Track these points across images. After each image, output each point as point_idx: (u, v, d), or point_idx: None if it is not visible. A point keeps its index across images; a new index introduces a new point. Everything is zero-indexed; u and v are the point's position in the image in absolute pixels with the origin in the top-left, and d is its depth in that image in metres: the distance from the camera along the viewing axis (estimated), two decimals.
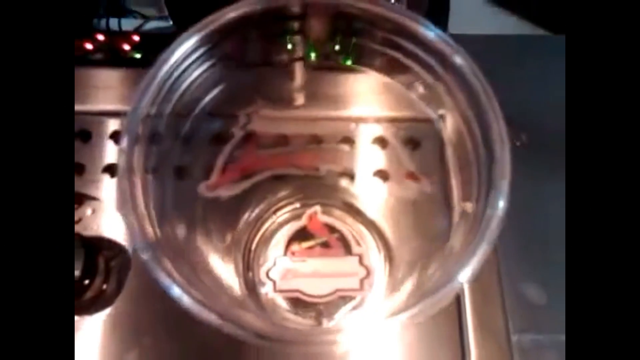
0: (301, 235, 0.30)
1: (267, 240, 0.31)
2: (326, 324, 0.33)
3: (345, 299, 0.31)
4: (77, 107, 0.38)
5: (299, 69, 0.33)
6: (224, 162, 0.29)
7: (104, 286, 0.35)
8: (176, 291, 0.18)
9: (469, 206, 0.23)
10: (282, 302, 0.33)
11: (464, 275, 0.19)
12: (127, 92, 0.40)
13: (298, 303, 0.32)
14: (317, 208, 0.31)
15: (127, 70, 0.41)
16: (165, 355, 0.31)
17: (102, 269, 0.35)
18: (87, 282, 0.34)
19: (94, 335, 0.32)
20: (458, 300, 0.31)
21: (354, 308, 0.32)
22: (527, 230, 0.35)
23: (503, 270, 0.33)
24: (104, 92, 0.40)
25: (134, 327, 0.32)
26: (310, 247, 0.31)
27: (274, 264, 0.30)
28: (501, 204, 0.20)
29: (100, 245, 0.36)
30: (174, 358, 0.31)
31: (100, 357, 0.31)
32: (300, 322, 0.33)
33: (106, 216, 0.37)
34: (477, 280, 0.30)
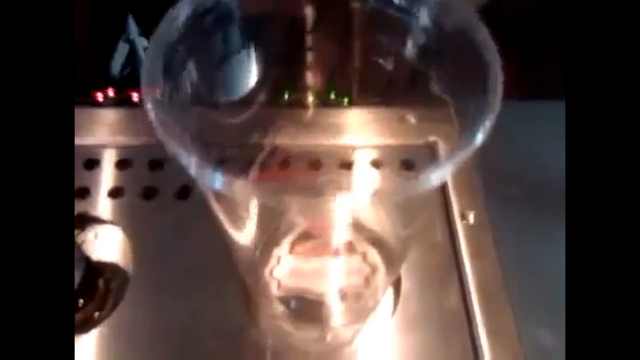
0: (304, 237, 0.31)
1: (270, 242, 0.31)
2: (330, 339, 0.33)
3: (350, 298, 0.30)
4: (83, 140, 0.39)
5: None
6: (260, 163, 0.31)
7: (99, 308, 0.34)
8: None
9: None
10: (285, 320, 0.33)
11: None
12: (130, 126, 0.41)
13: (301, 318, 0.32)
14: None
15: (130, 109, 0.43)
16: None
17: (101, 291, 0.35)
18: (82, 301, 0.34)
19: (91, 351, 0.31)
20: (474, 343, 0.31)
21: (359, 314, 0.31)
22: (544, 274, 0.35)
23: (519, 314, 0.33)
24: (109, 127, 0.41)
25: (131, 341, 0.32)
26: (314, 248, 0.31)
27: (278, 263, 0.30)
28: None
29: (102, 268, 0.36)
30: None
31: None
32: (304, 336, 0.33)
33: (108, 239, 0.37)
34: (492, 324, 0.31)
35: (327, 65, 0.34)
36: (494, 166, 0.38)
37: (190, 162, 0.17)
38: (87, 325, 0.33)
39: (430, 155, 0.38)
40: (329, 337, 0.31)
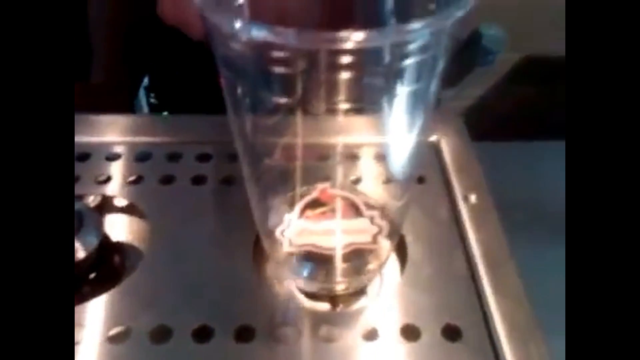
0: (314, 204, 0.32)
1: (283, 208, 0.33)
2: (341, 309, 0.33)
3: (359, 256, 0.31)
4: (106, 138, 0.42)
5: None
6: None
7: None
8: None
9: None
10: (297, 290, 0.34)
11: None
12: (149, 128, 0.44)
13: (310, 273, 0.33)
14: (327, 184, 0.33)
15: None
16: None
17: (115, 265, 0.37)
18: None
19: (103, 312, 0.32)
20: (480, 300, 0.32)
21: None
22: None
23: None
24: (130, 129, 0.44)
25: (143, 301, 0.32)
26: (323, 213, 0.32)
27: (289, 225, 0.31)
28: None
29: (118, 246, 0.37)
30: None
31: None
32: (315, 307, 0.33)
33: (127, 220, 0.39)
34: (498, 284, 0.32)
35: None
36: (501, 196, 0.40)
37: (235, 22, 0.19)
38: (99, 290, 0.34)
39: None
40: (338, 288, 0.32)
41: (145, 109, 0.74)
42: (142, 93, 0.69)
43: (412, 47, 0.22)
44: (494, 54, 1.41)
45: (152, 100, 0.74)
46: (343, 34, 0.19)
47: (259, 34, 0.19)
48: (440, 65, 0.26)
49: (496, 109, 1.45)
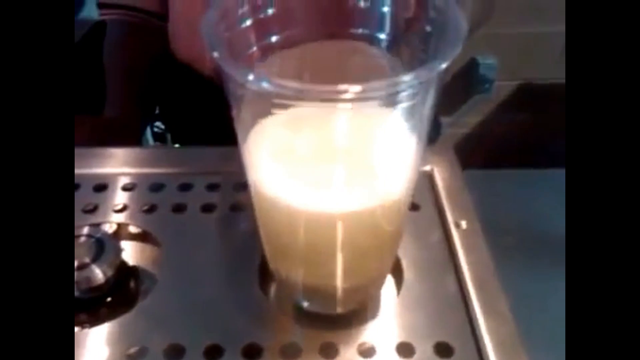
0: None
1: None
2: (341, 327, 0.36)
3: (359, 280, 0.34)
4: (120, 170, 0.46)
5: None
6: None
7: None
8: None
9: None
10: None
11: None
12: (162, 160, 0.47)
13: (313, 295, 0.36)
14: None
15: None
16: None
17: (131, 291, 0.39)
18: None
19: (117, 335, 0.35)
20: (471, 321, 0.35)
21: None
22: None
23: None
24: (144, 161, 0.48)
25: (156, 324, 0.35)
26: None
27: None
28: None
29: (134, 271, 0.40)
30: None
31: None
32: (317, 325, 0.36)
33: (141, 246, 0.41)
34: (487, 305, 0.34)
35: None
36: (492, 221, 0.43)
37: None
38: (116, 312, 0.37)
39: None
40: (339, 309, 0.35)
41: (150, 138, 0.77)
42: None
43: (402, 95, 0.25)
44: (491, 82, 1.45)
45: (156, 129, 0.78)
46: (341, 87, 0.22)
47: (269, 87, 0.22)
48: (431, 102, 0.29)
49: (493, 134, 1.48)
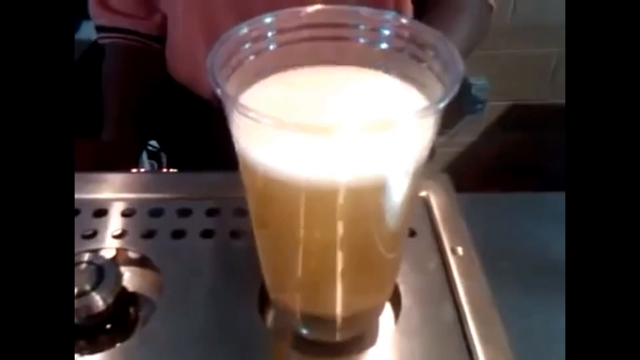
0: None
1: None
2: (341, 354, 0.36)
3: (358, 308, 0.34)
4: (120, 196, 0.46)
5: None
6: None
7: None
8: None
9: None
10: None
11: None
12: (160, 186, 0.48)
13: (312, 322, 0.36)
14: None
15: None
16: None
17: (131, 318, 0.39)
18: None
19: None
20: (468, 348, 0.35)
21: None
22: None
23: None
24: (143, 187, 0.48)
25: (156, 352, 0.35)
26: None
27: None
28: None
29: (134, 297, 0.40)
30: None
31: None
32: (316, 352, 0.36)
33: (141, 272, 0.42)
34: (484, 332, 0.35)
35: None
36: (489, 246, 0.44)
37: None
38: (116, 339, 0.37)
39: None
40: (338, 336, 0.35)
41: (145, 158, 0.78)
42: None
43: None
44: (483, 102, 1.47)
45: (150, 147, 0.78)
46: (340, 121, 0.23)
47: (268, 122, 0.23)
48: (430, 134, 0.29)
49: (486, 154, 1.50)
